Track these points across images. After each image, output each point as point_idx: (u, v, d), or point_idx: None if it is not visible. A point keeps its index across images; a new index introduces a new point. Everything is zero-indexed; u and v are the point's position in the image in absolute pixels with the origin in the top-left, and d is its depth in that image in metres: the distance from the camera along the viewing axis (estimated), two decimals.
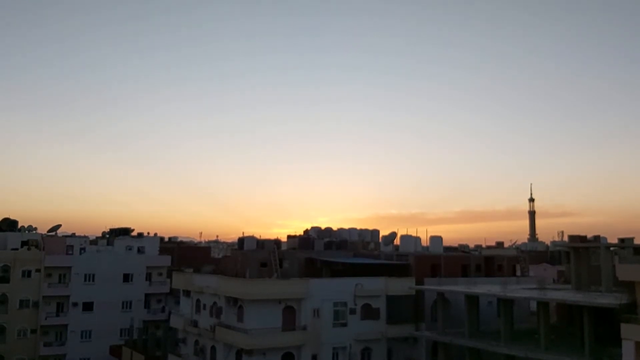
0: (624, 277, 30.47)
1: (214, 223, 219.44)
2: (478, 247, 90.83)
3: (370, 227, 61.25)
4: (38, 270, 61.46)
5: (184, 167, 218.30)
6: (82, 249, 67.33)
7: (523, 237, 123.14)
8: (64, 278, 62.85)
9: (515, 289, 41.39)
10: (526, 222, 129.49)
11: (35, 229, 69.33)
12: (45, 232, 69.83)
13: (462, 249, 70.61)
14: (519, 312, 43.59)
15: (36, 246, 63.66)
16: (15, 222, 69.21)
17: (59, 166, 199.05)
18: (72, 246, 66.57)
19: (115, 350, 58.05)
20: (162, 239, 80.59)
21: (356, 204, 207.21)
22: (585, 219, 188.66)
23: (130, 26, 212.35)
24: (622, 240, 39.14)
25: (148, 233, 77.95)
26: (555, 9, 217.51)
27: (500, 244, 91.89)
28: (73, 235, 74.52)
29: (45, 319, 60.73)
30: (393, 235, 56.30)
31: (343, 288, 43.30)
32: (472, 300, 40.37)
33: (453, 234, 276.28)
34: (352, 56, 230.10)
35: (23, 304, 60.38)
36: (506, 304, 38.33)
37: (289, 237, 56.95)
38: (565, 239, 72.19)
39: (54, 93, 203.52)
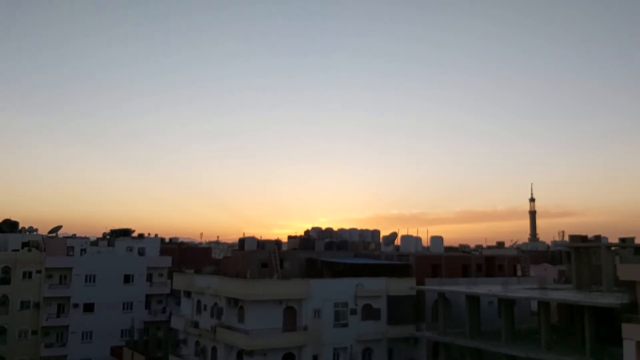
0: (625, 277, 30.48)
1: (215, 224, 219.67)
2: (479, 247, 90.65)
3: (371, 228, 61.31)
4: (39, 272, 61.41)
5: (184, 168, 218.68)
6: (83, 250, 67.42)
7: (524, 237, 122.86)
8: (64, 279, 62.82)
9: (516, 289, 41.36)
10: (527, 222, 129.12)
11: (36, 230, 69.36)
12: (46, 233, 69.90)
13: (463, 249, 70.55)
14: (519, 312, 43.57)
15: (37, 247, 63.63)
16: (16, 224, 69.23)
17: (60, 167, 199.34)
18: (72, 247, 66.66)
19: (116, 351, 58.05)
20: (162, 239, 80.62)
21: (357, 205, 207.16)
22: (586, 219, 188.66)
23: (132, 29, 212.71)
24: (623, 240, 39.18)
25: (149, 234, 78.09)
26: (554, 9, 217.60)
27: (501, 244, 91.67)
28: (74, 236, 74.65)
29: (46, 320, 60.64)
30: (394, 235, 56.27)
31: (344, 288, 43.32)
32: (473, 300, 40.35)
33: (454, 234, 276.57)
34: (352, 58, 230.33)
35: (24, 305, 60.32)
36: (507, 304, 38.32)
37: (289, 237, 56.91)
38: (566, 238, 72.13)
39: (56, 95, 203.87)
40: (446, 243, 56.89)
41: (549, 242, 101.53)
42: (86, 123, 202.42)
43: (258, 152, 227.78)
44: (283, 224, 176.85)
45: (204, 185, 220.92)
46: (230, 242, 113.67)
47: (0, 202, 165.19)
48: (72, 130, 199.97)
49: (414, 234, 55.11)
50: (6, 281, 59.99)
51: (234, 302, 42.08)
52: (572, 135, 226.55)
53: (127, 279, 65.58)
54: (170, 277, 61.88)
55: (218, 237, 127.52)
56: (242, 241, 52.92)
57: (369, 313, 43.98)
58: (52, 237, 68.99)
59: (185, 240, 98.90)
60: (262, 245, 51.27)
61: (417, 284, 44.88)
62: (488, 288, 41.79)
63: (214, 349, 43.84)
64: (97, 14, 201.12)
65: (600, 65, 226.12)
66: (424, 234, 61.26)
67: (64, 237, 70.95)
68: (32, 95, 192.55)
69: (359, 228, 60.35)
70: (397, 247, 55.24)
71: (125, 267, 65.79)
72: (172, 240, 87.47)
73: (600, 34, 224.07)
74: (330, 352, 41.98)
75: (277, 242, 53.26)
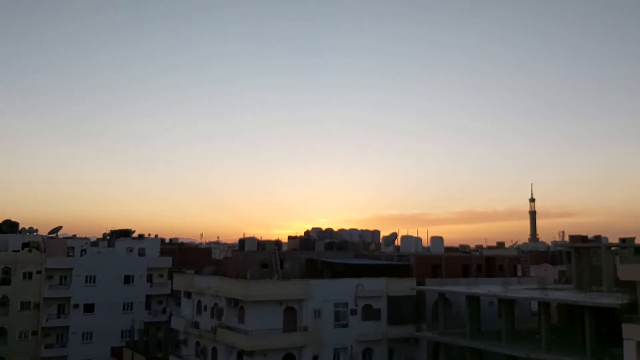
0: (625, 277, 30.48)
1: (215, 224, 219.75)
2: (479, 248, 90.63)
3: (371, 228, 61.29)
4: (39, 272, 61.46)
5: (185, 168, 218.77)
6: (83, 251, 67.43)
7: (524, 237, 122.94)
8: (65, 280, 62.85)
9: (517, 289, 41.34)
10: (527, 222, 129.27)
11: (36, 230, 69.41)
12: (46, 233, 69.88)
13: (463, 250, 70.53)
14: (520, 313, 43.54)
15: (37, 248, 63.65)
16: (16, 224, 69.25)
17: (60, 168, 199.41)
18: (73, 248, 66.70)
19: (116, 352, 58.02)
20: (162, 240, 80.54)
21: (357, 205, 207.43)
22: (586, 219, 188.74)
23: (132, 29, 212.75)
24: (623, 240, 39.14)
25: (149, 234, 77.97)
26: (554, 9, 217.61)
27: (501, 244, 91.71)
28: (74, 237, 74.63)
29: (47, 320, 60.69)
30: (394, 235, 56.26)
31: (344, 289, 43.30)
32: (473, 300, 40.34)
33: (454, 234, 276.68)
34: (352, 58, 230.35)
35: (24, 305, 60.38)
36: (507, 304, 38.30)
37: (289, 238, 56.93)
38: (566, 239, 72.05)
39: (56, 96, 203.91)
40: (446, 243, 56.92)
41: (549, 242, 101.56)
42: (86, 123, 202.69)
43: (258, 152, 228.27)
44: (283, 224, 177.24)
45: (204, 186, 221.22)
46: (230, 242, 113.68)
47: (0, 202, 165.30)
48: (72, 130, 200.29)
49: (414, 235, 55.14)
50: (6, 282, 60.05)
51: (234, 302, 42.07)
52: (572, 135, 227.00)
53: (127, 279, 65.60)
54: (171, 277, 61.90)
55: (218, 237, 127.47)
56: (242, 242, 52.95)
57: (369, 313, 43.97)
58: (52, 237, 68.98)
59: (185, 241, 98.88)
60: (262, 245, 51.29)
61: (418, 284, 44.85)
62: (488, 288, 41.77)
63: (214, 349, 43.83)
64: (97, 14, 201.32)
65: (600, 65, 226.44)
66: (424, 234, 61.36)
67: (64, 238, 70.94)
68: (32, 95, 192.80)
69: (359, 228, 60.35)
70: (397, 248, 55.22)
71: (125, 268, 65.82)
72: (172, 241, 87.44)
73: (600, 34, 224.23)
74: (330, 353, 41.94)
75: (277, 243, 53.30)
